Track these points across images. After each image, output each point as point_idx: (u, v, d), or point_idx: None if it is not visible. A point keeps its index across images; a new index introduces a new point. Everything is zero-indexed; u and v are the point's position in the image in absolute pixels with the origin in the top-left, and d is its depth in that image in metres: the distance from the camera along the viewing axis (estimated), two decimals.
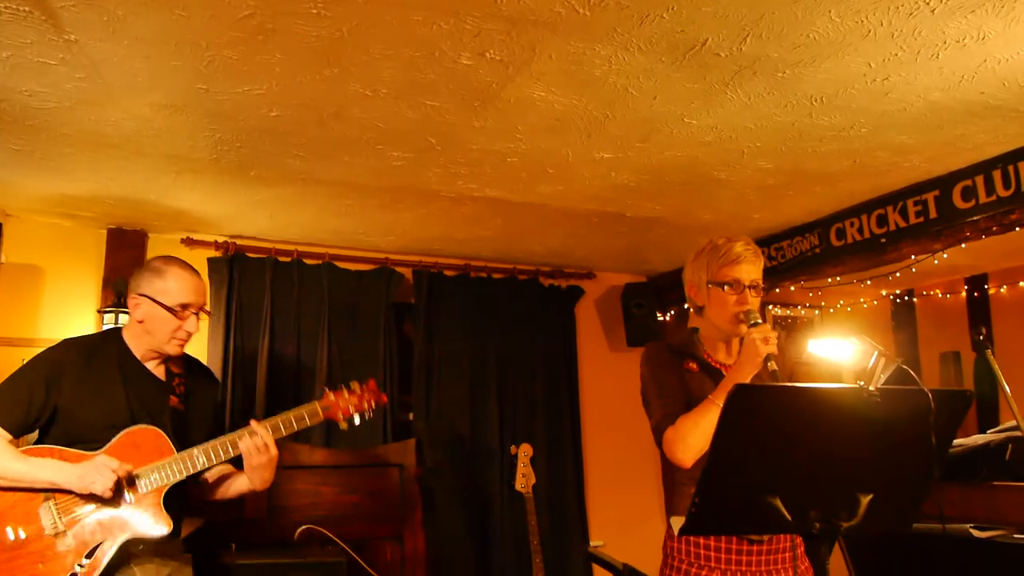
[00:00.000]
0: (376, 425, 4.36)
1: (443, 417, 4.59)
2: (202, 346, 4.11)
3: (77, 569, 2.34)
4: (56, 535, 2.34)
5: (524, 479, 4.56)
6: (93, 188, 3.51)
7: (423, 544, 4.18)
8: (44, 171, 3.30)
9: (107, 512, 2.40)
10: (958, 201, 3.29)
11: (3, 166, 3.23)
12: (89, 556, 2.37)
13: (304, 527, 3.86)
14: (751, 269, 2.40)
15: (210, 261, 4.21)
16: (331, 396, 2.68)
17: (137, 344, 2.57)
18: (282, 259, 4.33)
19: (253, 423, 2.55)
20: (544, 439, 4.82)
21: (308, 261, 4.41)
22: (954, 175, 3.32)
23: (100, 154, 3.12)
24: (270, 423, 2.58)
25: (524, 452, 4.63)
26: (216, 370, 4.11)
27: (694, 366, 2.47)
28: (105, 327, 3.69)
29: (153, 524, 2.43)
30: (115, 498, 2.37)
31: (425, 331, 4.61)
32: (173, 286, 2.56)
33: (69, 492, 2.37)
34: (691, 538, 2.39)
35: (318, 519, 3.95)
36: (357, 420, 2.68)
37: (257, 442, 2.51)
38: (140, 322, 2.55)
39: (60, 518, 2.36)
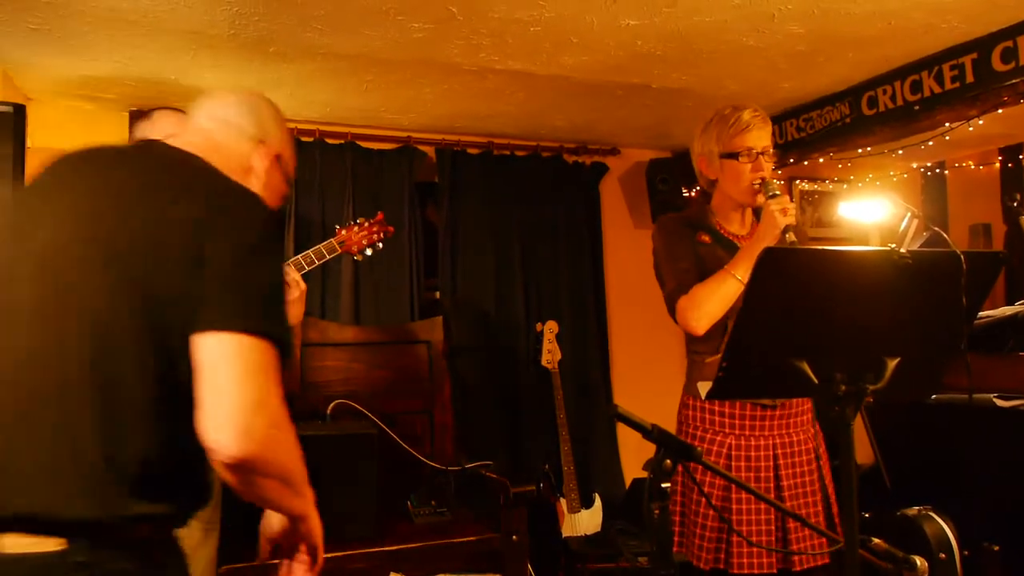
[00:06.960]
0: (403, 303, 4.42)
1: (469, 295, 4.63)
2: None
3: None
4: None
5: (550, 355, 4.63)
6: (113, 68, 3.46)
7: (452, 418, 4.29)
8: (63, 52, 3.25)
9: None
10: (997, 64, 3.18)
11: (22, 46, 3.19)
12: None
13: (336, 402, 3.97)
14: (761, 136, 2.41)
15: None
16: (343, 232, 2.84)
17: None
18: (304, 139, 4.29)
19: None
20: (569, 316, 4.86)
21: (330, 141, 4.37)
22: (994, 36, 3.19)
23: (117, 32, 3.06)
24: (294, 261, 2.70)
25: (550, 329, 4.69)
26: None
27: (707, 238, 2.49)
28: None
29: None
30: None
31: (449, 210, 4.60)
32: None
33: None
34: (706, 405, 2.45)
35: (349, 394, 4.05)
36: (369, 252, 2.88)
37: (289, 279, 2.56)
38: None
39: None
